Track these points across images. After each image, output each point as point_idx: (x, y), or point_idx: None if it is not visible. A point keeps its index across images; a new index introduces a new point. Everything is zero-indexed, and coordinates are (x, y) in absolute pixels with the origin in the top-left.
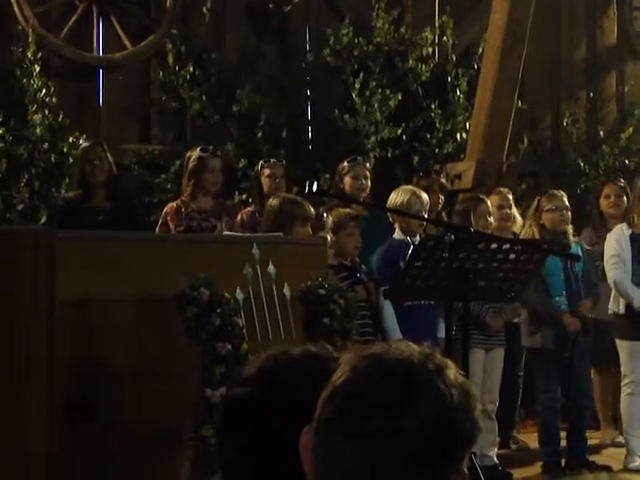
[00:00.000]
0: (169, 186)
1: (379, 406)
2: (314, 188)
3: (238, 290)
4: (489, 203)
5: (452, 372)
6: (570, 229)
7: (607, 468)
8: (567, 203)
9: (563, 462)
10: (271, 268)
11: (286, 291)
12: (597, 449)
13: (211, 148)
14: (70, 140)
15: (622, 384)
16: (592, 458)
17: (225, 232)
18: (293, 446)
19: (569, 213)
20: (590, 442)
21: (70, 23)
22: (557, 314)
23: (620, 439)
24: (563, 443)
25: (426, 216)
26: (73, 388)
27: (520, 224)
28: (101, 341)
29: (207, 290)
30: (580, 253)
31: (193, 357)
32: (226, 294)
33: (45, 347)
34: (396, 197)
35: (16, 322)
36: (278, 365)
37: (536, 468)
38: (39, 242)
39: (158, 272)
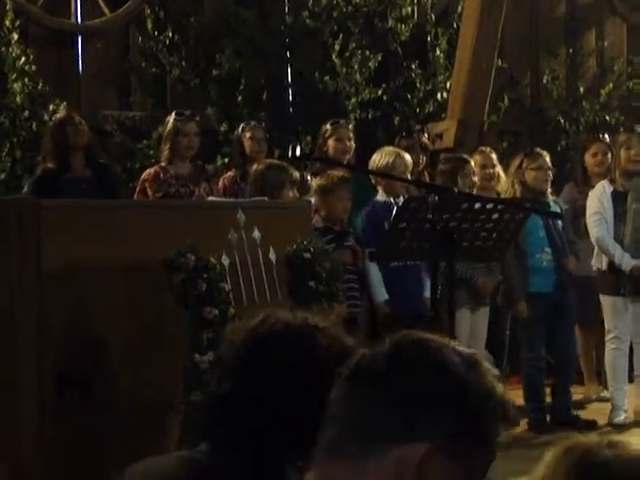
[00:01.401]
0: (151, 152)
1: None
2: (297, 152)
3: (224, 255)
4: (473, 163)
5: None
6: (549, 188)
7: (592, 423)
8: (550, 164)
9: (548, 418)
10: (256, 233)
11: (272, 255)
12: (582, 404)
13: (188, 112)
14: (50, 108)
15: (606, 339)
16: (577, 413)
17: (209, 198)
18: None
19: (551, 173)
20: (575, 397)
21: None
22: (516, 298)
23: (605, 394)
24: (548, 399)
25: (409, 176)
26: (64, 359)
27: (504, 182)
28: (89, 310)
29: (193, 256)
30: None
31: (181, 323)
32: (212, 259)
33: (34, 319)
34: (380, 159)
35: (3, 295)
36: (261, 345)
37: (522, 425)
38: (24, 212)
39: (144, 239)
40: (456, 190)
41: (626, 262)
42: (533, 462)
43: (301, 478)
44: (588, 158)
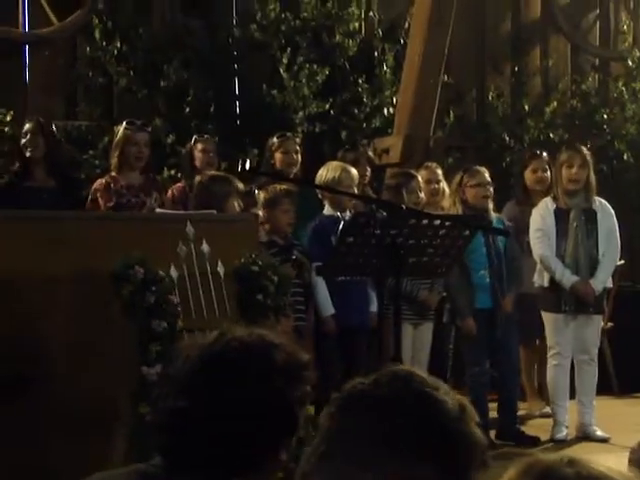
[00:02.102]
0: (97, 162)
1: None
2: (247, 166)
3: (172, 268)
4: (420, 178)
5: (442, 391)
6: (491, 205)
7: (536, 439)
8: (489, 179)
9: (493, 433)
10: (205, 246)
11: (220, 268)
12: (524, 420)
13: (139, 122)
14: None
15: (548, 355)
16: (521, 429)
17: (157, 210)
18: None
19: (491, 189)
20: (517, 413)
21: None
22: (462, 314)
23: (547, 410)
24: (494, 414)
25: (355, 191)
26: (8, 365)
27: (447, 199)
28: (34, 318)
29: (142, 268)
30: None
31: (129, 334)
32: (161, 272)
33: None
34: (326, 173)
35: None
36: (217, 361)
37: None
38: None
39: (93, 250)
40: (404, 206)
41: (567, 279)
42: None
43: None
44: (528, 175)
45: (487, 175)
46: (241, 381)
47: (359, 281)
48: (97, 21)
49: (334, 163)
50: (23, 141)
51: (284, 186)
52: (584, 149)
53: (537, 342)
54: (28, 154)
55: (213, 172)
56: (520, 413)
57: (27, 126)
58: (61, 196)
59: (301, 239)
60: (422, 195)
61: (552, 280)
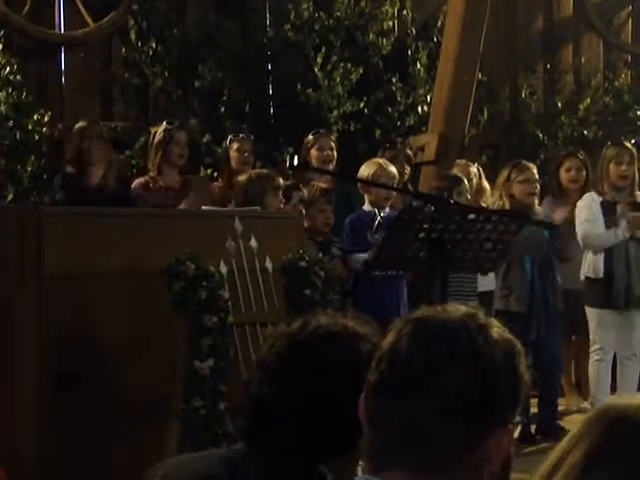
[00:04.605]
0: (133, 162)
1: (421, 368)
2: (295, 162)
3: (222, 263)
4: (466, 182)
5: (495, 330)
6: (536, 202)
7: None
8: (537, 176)
9: (534, 429)
10: (253, 241)
11: (268, 264)
12: (562, 416)
13: (177, 122)
14: (35, 118)
15: (590, 351)
16: (562, 424)
17: (204, 207)
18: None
19: (538, 186)
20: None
21: (31, 0)
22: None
23: (585, 405)
24: (534, 409)
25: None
26: (62, 360)
27: (489, 195)
28: (89, 314)
29: (193, 264)
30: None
31: (179, 329)
32: (211, 268)
33: (34, 322)
34: (363, 169)
35: (4, 298)
36: (302, 350)
37: None
38: (25, 219)
39: (143, 246)
40: (451, 200)
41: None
42: (517, 472)
43: None
44: (562, 173)
45: (535, 172)
46: (325, 370)
47: (394, 277)
48: (132, 22)
49: (373, 160)
50: (86, 144)
51: (322, 185)
52: (630, 145)
53: (573, 337)
54: (88, 156)
55: (252, 171)
56: (559, 408)
57: (90, 129)
58: (111, 196)
59: (339, 235)
60: (469, 197)
61: (605, 273)
